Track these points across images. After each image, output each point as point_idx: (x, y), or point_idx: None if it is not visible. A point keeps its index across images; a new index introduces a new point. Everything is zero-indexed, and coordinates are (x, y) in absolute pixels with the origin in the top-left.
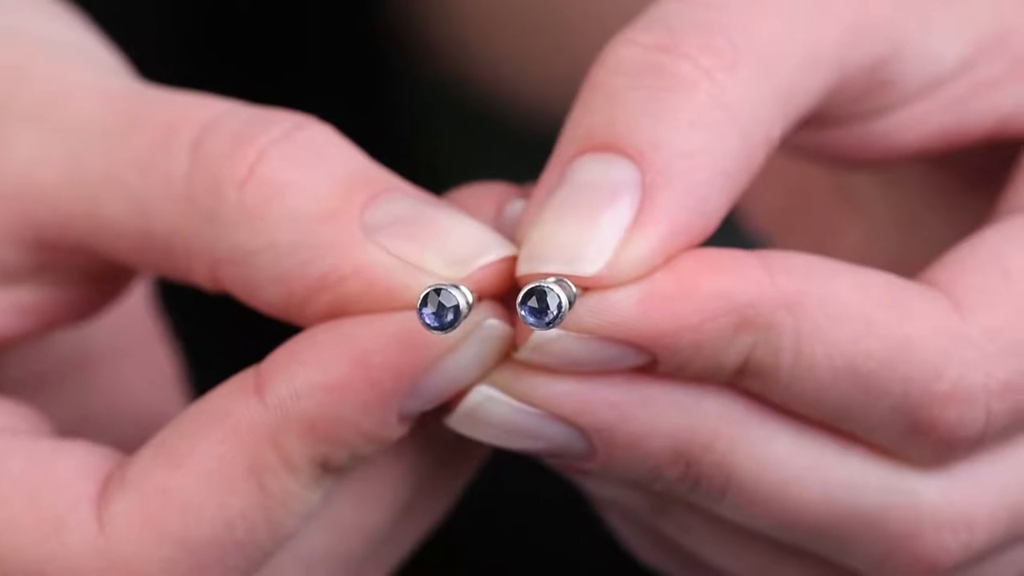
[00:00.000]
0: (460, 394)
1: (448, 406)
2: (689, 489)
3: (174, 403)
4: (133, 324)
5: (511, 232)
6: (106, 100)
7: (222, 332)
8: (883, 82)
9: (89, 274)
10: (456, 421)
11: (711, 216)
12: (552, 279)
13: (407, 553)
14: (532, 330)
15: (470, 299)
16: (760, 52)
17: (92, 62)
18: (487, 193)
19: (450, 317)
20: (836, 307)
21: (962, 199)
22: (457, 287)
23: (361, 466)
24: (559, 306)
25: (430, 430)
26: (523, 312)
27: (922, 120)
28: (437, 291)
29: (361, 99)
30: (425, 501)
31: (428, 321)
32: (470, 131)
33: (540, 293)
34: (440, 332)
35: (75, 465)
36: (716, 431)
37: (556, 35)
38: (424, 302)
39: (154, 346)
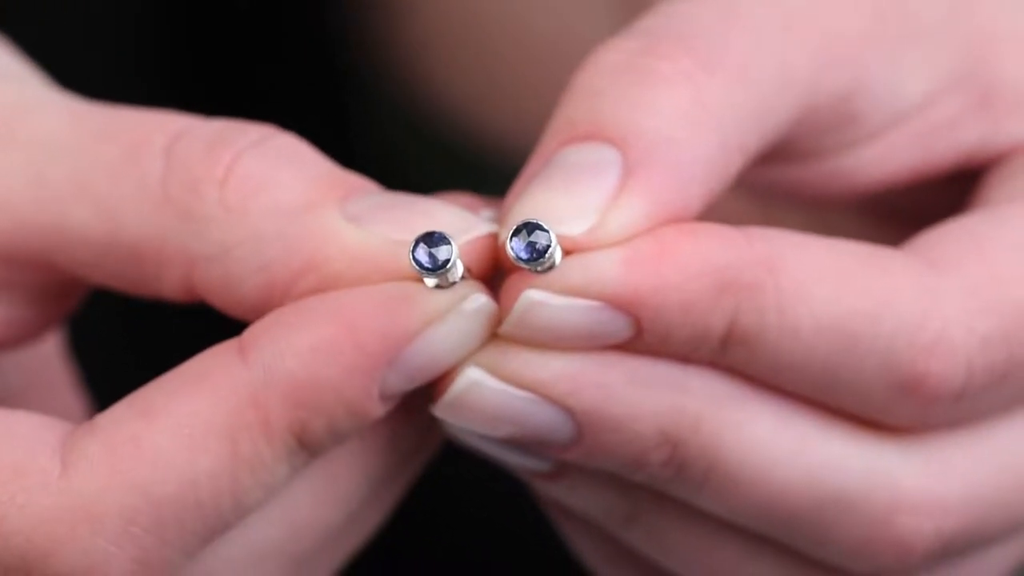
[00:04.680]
0: (445, 382)
1: (434, 395)
2: (672, 476)
3: None
4: (43, 369)
5: None
6: (69, 114)
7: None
8: (850, 115)
9: (42, 292)
10: (443, 408)
11: (690, 200)
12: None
13: (354, 551)
14: (515, 299)
15: (455, 246)
16: (735, 63)
17: (44, 83)
18: (457, 201)
19: (444, 256)
20: (815, 266)
21: (890, 237)
22: (445, 232)
23: (322, 463)
24: (550, 241)
25: (386, 430)
26: (513, 247)
27: (888, 155)
28: (429, 234)
29: (324, 124)
30: (376, 500)
31: (423, 261)
32: (437, 159)
33: (532, 231)
34: (433, 275)
35: (30, 421)
36: (702, 411)
37: (521, 68)
38: (417, 245)
39: (62, 392)
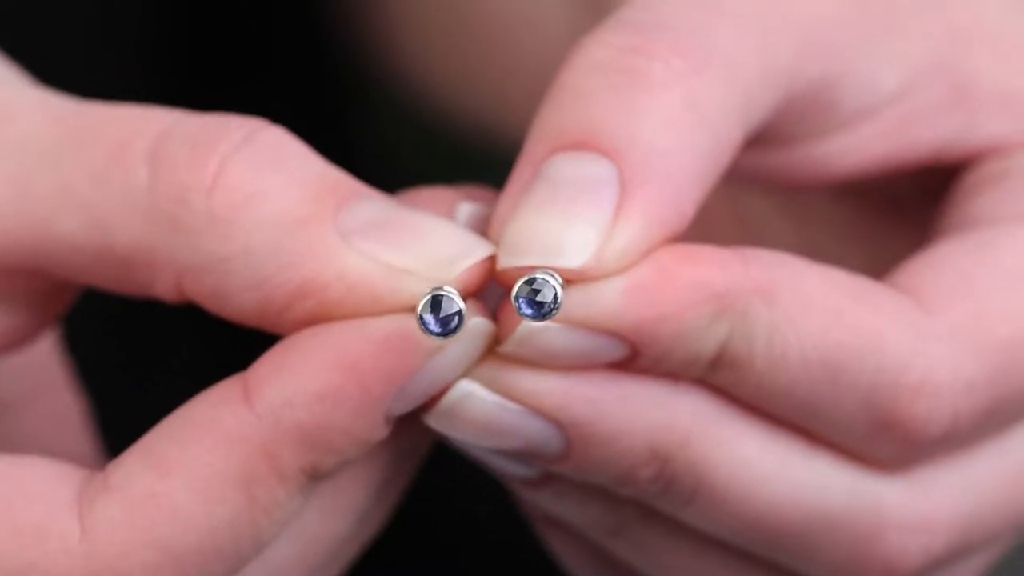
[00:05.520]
0: (440, 391)
1: (426, 404)
2: (660, 491)
3: (82, 451)
4: (40, 371)
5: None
6: (50, 117)
7: (129, 373)
8: (826, 103)
9: (35, 297)
10: (435, 418)
11: (685, 213)
12: (541, 271)
13: (357, 555)
14: (516, 324)
15: (462, 302)
16: (723, 57)
17: (23, 82)
18: (436, 197)
19: (455, 323)
20: (807, 297)
21: (866, 229)
22: (454, 291)
23: (327, 480)
24: (555, 297)
25: (389, 435)
26: (519, 304)
27: (861, 145)
28: (437, 298)
29: (314, 117)
30: (381, 502)
31: (432, 328)
32: (433, 151)
33: (537, 284)
34: (442, 338)
35: (44, 474)
36: (691, 429)
37: (514, 59)
38: (426, 309)
39: (61, 393)
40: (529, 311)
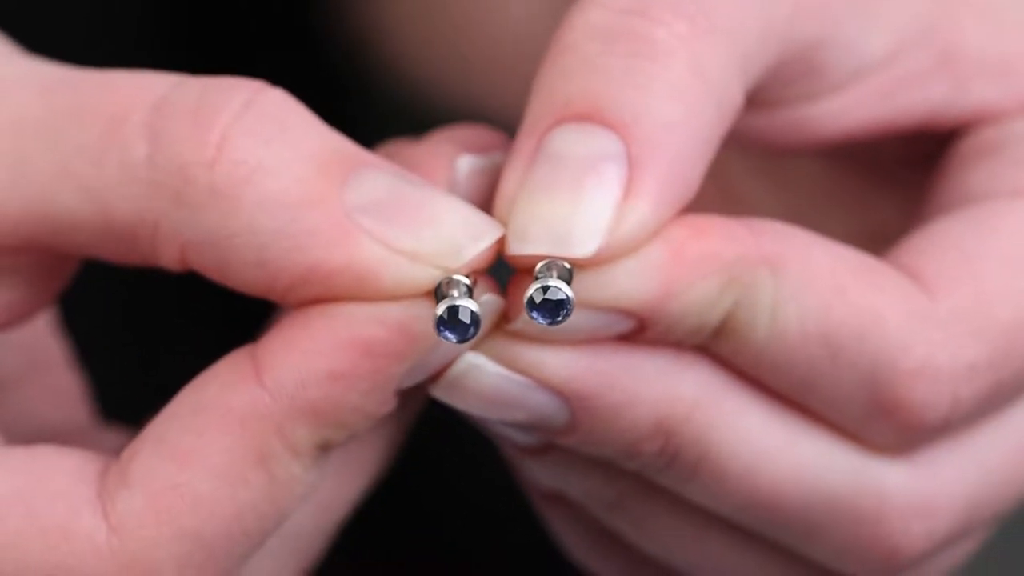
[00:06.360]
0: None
1: (432, 375)
2: (664, 465)
3: (80, 426)
4: (38, 347)
5: (464, 188)
6: (41, 89)
7: (126, 351)
8: (816, 66)
9: (37, 273)
10: (441, 390)
11: (694, 183)
12: (548, 263)
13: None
14: (524, 307)
15: (476, 308)
16: (724, 18)
17: (11, 52)
18: (435, 152)
19: (472, 332)
20: (812, 272)
21: (850, 195)
22: (469, 296)
23: (339, 449)
24: (569, 303)
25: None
26: (534, 315)
27: (849, 110)
28: (454, 309)
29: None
30: (387, 456)
31: (450, 338)
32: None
33: (550, 294)
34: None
35: (63, 469)
36: (696, 402)
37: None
38: (443, 321)
39: (59, 368)
40: (544, 321)
